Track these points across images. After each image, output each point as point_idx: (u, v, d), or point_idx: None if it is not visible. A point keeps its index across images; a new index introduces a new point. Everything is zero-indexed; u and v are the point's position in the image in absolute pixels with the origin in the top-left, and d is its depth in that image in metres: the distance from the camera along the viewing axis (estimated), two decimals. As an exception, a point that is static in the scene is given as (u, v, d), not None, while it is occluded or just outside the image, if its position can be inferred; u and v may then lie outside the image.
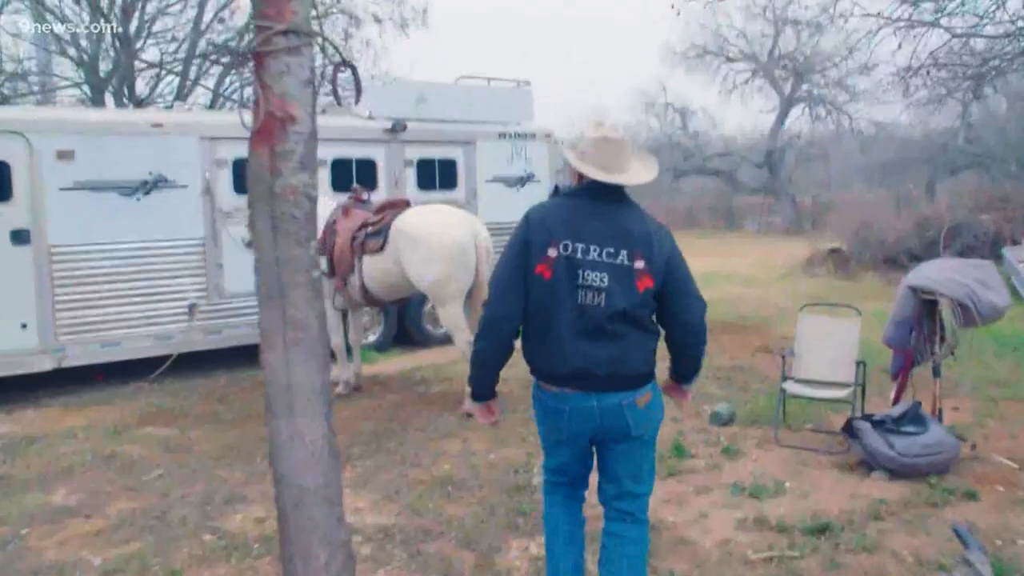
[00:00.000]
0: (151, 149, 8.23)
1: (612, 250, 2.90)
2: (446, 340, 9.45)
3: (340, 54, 3.44)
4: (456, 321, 6.70)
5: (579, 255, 2.90)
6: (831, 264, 16.93)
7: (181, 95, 15.30)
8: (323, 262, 7.26)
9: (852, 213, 31.02)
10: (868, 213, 27.48)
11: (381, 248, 6.82)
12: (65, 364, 7.88)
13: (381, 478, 5.44)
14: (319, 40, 2.76)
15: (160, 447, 6.22)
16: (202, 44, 15.21)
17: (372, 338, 9.68)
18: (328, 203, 7.69)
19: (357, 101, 7.59)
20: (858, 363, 5.86)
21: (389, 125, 9.60)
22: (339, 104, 5.15)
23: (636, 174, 3.05)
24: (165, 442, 6.34)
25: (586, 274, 2.89)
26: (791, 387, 6.07)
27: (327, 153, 9.26)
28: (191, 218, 8.49)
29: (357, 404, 7.27)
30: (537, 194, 10.71)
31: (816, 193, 37.08)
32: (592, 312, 2.90)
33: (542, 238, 2.93)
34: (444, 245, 6.53)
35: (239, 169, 8.55)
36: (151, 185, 8.24)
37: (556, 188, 10.68)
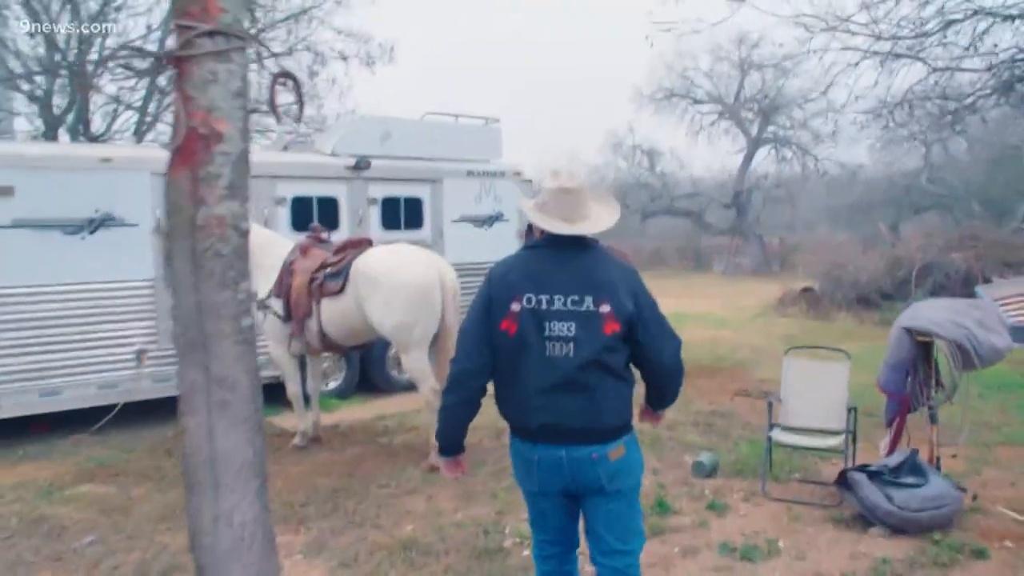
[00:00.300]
0: (98, 185, 7.76)
1: (576, 297, 2.85)
2: (411, 386, 8.99)
3: (277, 59, 3.05)
4: (420, 368, 6.27)
5: (543, 306, 2.85)
6: (803, 304, 16.75)
7: (140, 131, 14.83)
8: (279, 305, 6.82)
9: (821, 253, 31.26)
10: (836, 254, 27.64)
11: (341, 290, 6.38)
12: (-1, 416, 7.31)
13: (338, 542, 4.95)
14: (255, 47, 2.35)
15: (96, 508, 5.67)
16: (162, 81, 14.72)
17: (333, 384, 9.19)
18: (286, 243, 7.27)
19: (299, 119, 7.22)
20: (849, 409, 5.50)
21: (352, 162, 9.23)
22: (278, 121, 4.75)
23: (598, 221, 3.00)
24: (102, 502, 5.79)
25: (552, 325, 2.84)
26: (779, 435, 5.70)
27: (287, 191, 8.86)
28: (140, 258, 8.00)
29: (314, 458, 6.77)
30: (506, 233, 10.40)
31: (783, 234, 37.33)
32: (561, 363, 2.84)
33: (505, 294, 2.91)
34: (407, 287, 6.12)
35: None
36: (98, 223, 7.75)
37: (529, 227, 10.09)
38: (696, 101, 36.56)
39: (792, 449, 5.87)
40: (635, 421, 3.10)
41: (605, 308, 2.83)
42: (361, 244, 6.70)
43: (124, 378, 7.91)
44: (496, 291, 2.94)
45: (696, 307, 18.50)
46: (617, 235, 40.89)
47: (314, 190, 9.08)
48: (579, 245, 2.97)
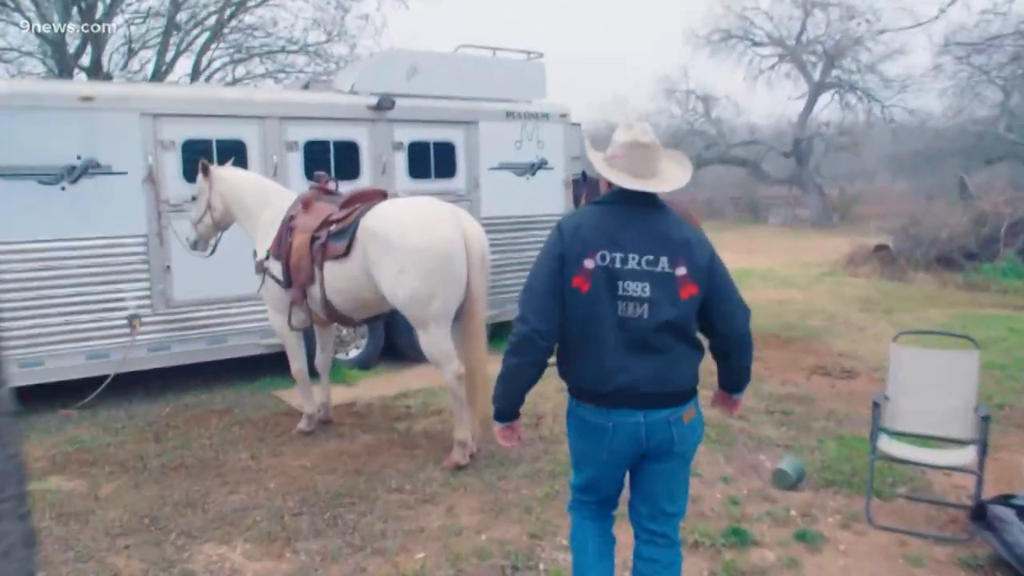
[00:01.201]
0: (80, 127, 6.76)
1: (652, 258, 2.73)
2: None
3: None
4: (441, 348, 5.19)
5: (617, 264, 2.72)
6: (876, 263, 15.29)
7: (159, 74, 13.84)
8: (279, 269, 5.79)
9: (885, 205, 29.43)
10: (901, 205, 25.86)
11: (346, 252, 5.31)
12: (-29, 389, 6.44)
13: (329, 572, 3.96)
14: None
15: (54, 513, 4.75)
16: (181, 16, 13.68)
17: (354, 353, 8.21)
18: (287, 194, 6.21)
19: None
20: (983, 417, 4.29)
21: (374, 101, 8.08)
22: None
23: (669, 180, 2.83)
24: (64, 504, 4.87)
25: (626, 285, 2.72)
26: (887, 445, 4.51)
27: (299, 134, 7.77)
28: (130, 211, 7.02)
29: (320, 447, 5.79)
30: (551, 183, 9.21)
31: (842, 185, 35.36)
32: (635, 325, 2.72)
33: (577, 249, 2.75)
34: (424, 249, 5.03)
35: (191, 152, 7.08)
36: (80, 171, 6.77)
37: (584, 176, 8.77)
38: (755, 43, 34.58)
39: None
40: (709, 407, 3.04)
41: (681, 271, 2.73)
42: (373, 196, 5.59)
43: (114, 347, 7.00)
44: (569, 246, 2.75)
45: (756, 263, 17.19)
46: (668, 184, 39.47)
47: (331, 133, 7.98)
48: (651, 204, 2.82)
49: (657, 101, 39.29)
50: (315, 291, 5.56)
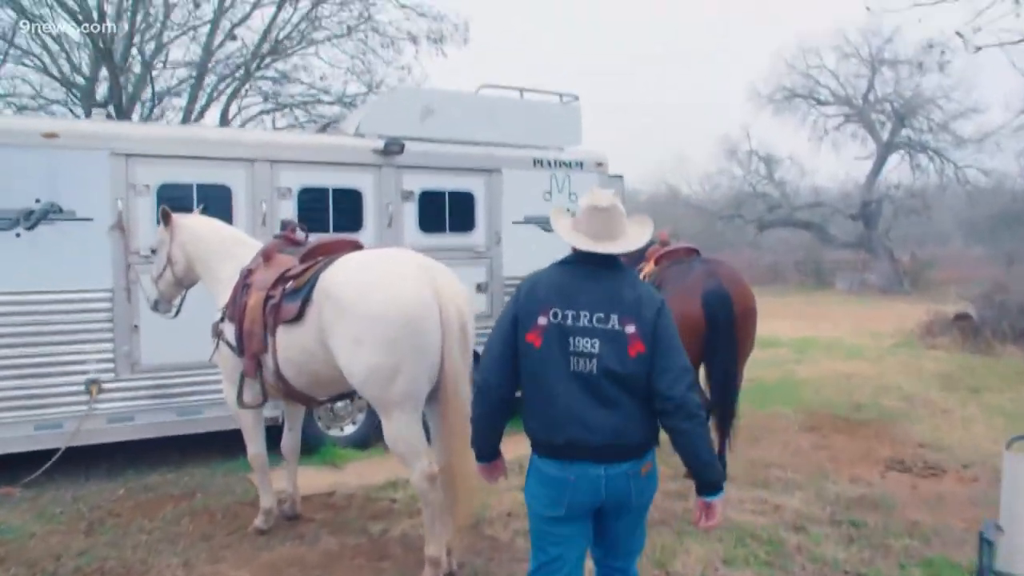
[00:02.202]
0: (41, 167, 6.01)
1: (602, 315, 2.81)
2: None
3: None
4: (406, 440, 4.11)
5: (569, 321, 2.82)
6: (956, 334, 13.74)
7: (187, 122, 13.35)
8: (232, 332, 4.82)
9: (960, 270, 27.60)
10: (980, 271, 24.09)
11: (299, 316, 4.32)
12: None
13: None
14: None
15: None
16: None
17: (350, 429, 7.17)
18: (254, 244, 5.29)
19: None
20: None
21: (380, 144, 7.21)
22: None
23: (626, 241, 2.94)
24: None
25: (577, 340, 2.80)
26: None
27: (292, 179, 6.91)
28: (95, 262, 6.20)
29: (269, 554, 4.72)
30: (583, 240, 8.15)
31: (913, 249, 33.52)
32: (586, 379, 2.79)
33: (531, 307, 2.87)
34: (382, 315, 4.00)
35: (167, 198, 6.26)
36: (38, 216, 6.00)
37: None
38: (820, 102, 33.46)
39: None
40: (693, 521, 3.01)
41: (630, 328, 2.80)
42: (340, 248, 4.60)
43: (69, 416, 6.10)
44: (523, 304, 2.90)
45: (820, 331, 15.76)
46: (732, 246, 38.14)
47: (330, 179, 7.10)
48: (609, 264, 2.92)
49: (718, 161, 38.05)
50: (269, 361, 4.57)
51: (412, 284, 4.03)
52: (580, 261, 2.93)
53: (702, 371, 5.84)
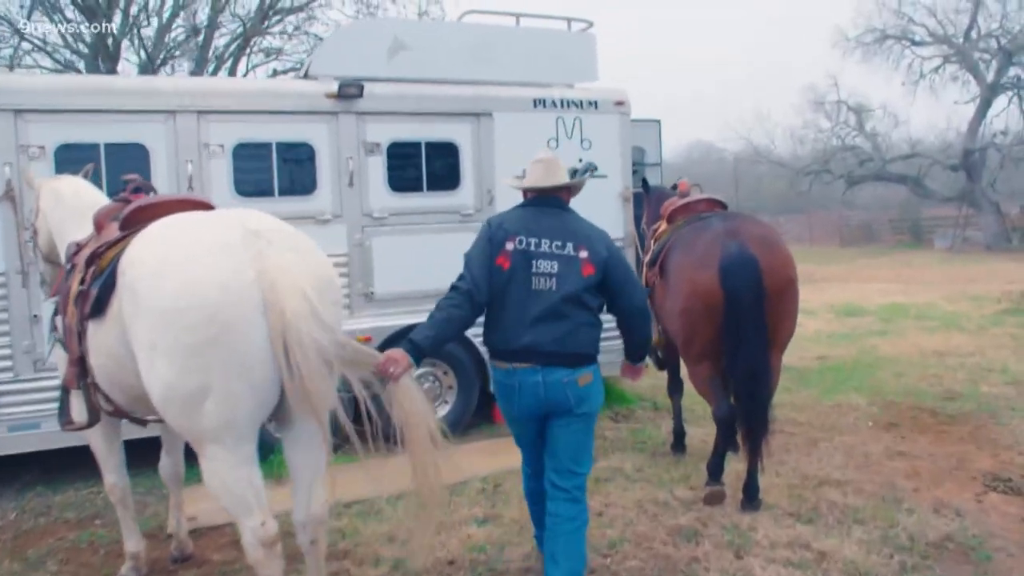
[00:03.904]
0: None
1: (560, 243, 3.37)
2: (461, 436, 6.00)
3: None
4: (230, 489, 2.81)
5: (532, 247, 3.36)
6: (1077, 298, 11.65)
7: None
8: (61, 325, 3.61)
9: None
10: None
11: (100, 308, 3.05)
12: None
13: None
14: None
15: None
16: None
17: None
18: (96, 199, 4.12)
19: None
20: None
21: (334, 87, 5.89)
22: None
23: (557, 179, 3.52)
24: None
25: (539, 263, 3.34)
26: None
27: (225, 134, 5.68)
28: (-21, 240, 5.13)
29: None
30: (602, 197, 6.66)
31: (1022, 202, 30.38)
32: (544, 295, 3.31)
33: (500, 235, 3.39)
34: (179, 309, 2.68)
35: (68, 162, 5.12)
36: (-96, 186, 4.94)
37: (645, 183, 7.00)
38: (915, 43, 30.42)
39: None
40: (620, 378, 3.97)
41: (583, 254, 3.36)
42: (168, 210, 3.27)
43: (-44, 426, 5.08)
44: (494, 232, 3.41)
45: (914, 296, 13.83)
46: (820, 204, 35.54)
47: (273, 132, 5.82)
48: (561, 206, 3.54)
49: (802, 113, 35.49)
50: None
51: (223, 262, 2.69)
52: (537, 203, 3.53)
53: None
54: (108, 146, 5.40)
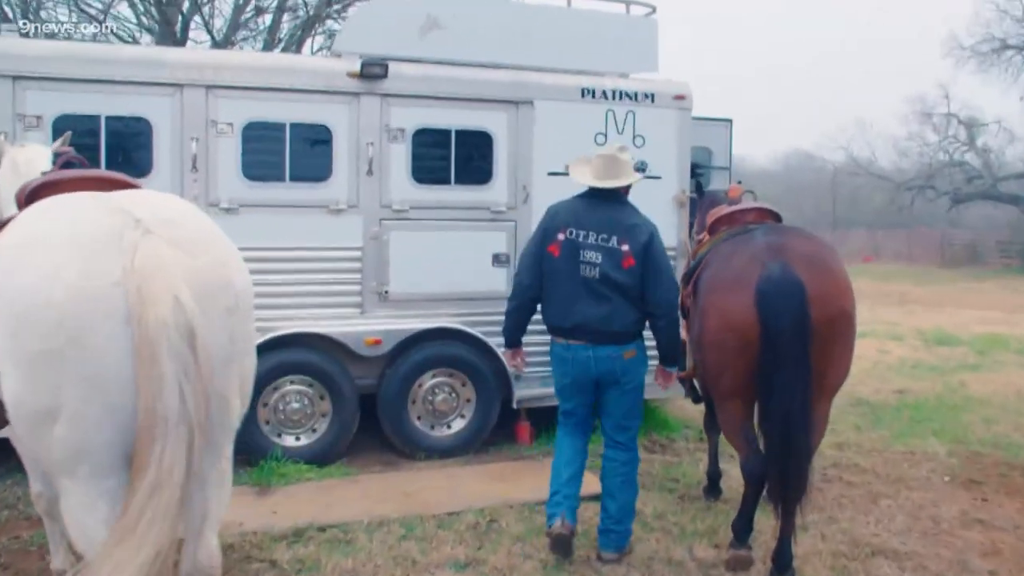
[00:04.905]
0: None
1: (605, 236, 3.85)
2: (455, 447, 5.77)
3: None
4: (83, 530, 2.27)
5: (580, 239, 3.87)
6: None
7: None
8: None
9: None
10: None
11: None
12: None
13: None
14: None
15: None
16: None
17: (307, 439, 5.48)
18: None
19: None
20: None
21: (356, 66, 5.39)
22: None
23: (620, 181, 3.97)
24: None
25: (585, 253, 3.85)
26: None
27: (234, 112, 5.24)
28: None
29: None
30: (655, 200, 5.93)
31: None
32: (589, 282, 3.84)
33: (553, 225, 3.95)
34: (19, 316, 2.16)
35: (65, 131, 4.76)
36: None
37: (699, 187, 6.60)
38: (1039, 53, 28.25)
39: None
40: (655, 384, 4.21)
41: (625, 247, 3.82)
42: (68, 187, 2.78)
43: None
44: (549, 223, 3.98)
45: (1017, 327, 12.58)
46: (924, 221, 33.51)
47: (287, 112, 5.35)
48: (614, 198, 3.99)
49: (908, 124, 33.52)
50: None
51: (78, 257, 2.17)
52: (590, 195, 4.02)
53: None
54: (109, 119, 5.04)
